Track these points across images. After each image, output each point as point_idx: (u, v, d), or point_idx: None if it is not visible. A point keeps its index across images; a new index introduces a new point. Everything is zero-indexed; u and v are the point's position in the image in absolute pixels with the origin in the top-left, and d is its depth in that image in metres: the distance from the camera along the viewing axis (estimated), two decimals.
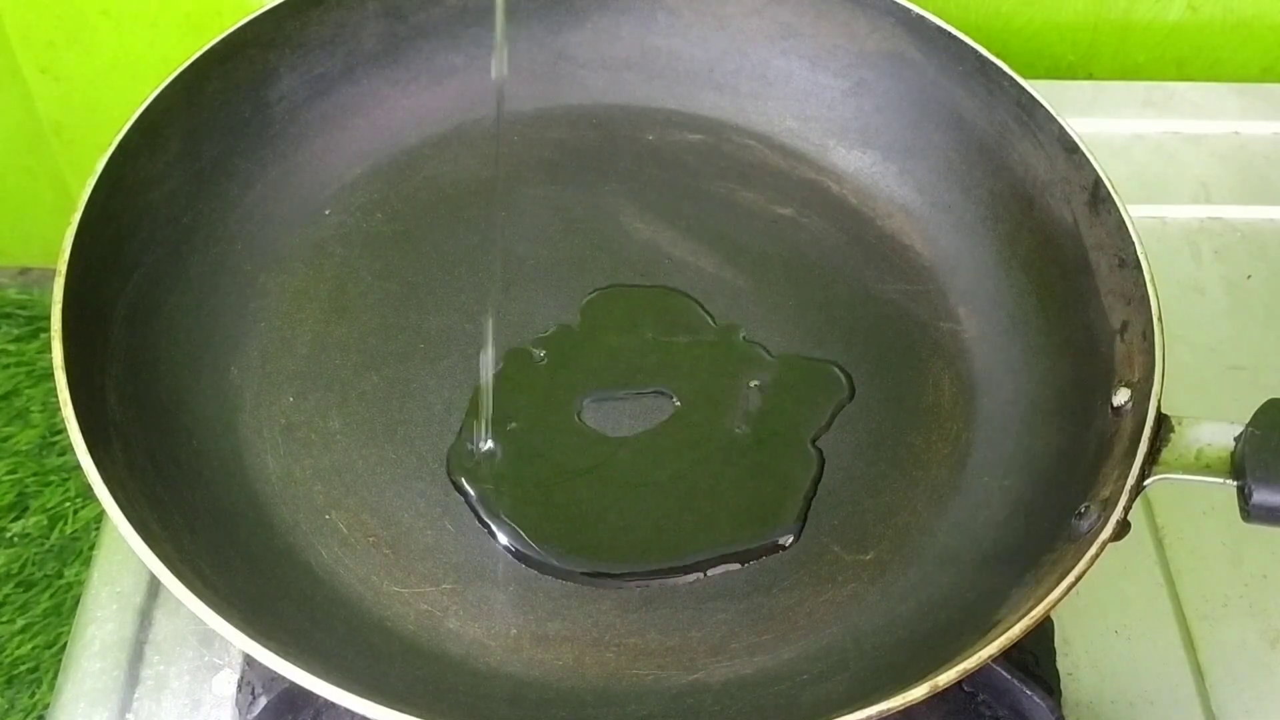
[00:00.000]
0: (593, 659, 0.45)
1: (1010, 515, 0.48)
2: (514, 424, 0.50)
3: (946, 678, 0.39)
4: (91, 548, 0.51)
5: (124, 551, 0.40)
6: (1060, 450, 0.49)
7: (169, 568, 0.39)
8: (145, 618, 0.49)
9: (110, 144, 0.48)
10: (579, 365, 0.52)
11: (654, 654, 0.45)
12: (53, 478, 0.91)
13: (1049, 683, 0.47)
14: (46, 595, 0.87)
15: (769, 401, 0.52)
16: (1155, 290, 0.47)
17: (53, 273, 0.45)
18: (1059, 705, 0.46)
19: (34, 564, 0.88)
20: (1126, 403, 0.46)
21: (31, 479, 0.91)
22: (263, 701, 0.44)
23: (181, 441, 0.47)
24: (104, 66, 0.69)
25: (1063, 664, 0.48)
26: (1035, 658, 0.47)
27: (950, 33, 0.55)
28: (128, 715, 0.47)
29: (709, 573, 0.47)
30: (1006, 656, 0.40)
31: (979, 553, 0.47)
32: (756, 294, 0.55)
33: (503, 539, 0.47)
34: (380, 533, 0.47)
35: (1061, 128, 0.52)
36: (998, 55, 0.54)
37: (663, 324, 0.54)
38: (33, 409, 0.94)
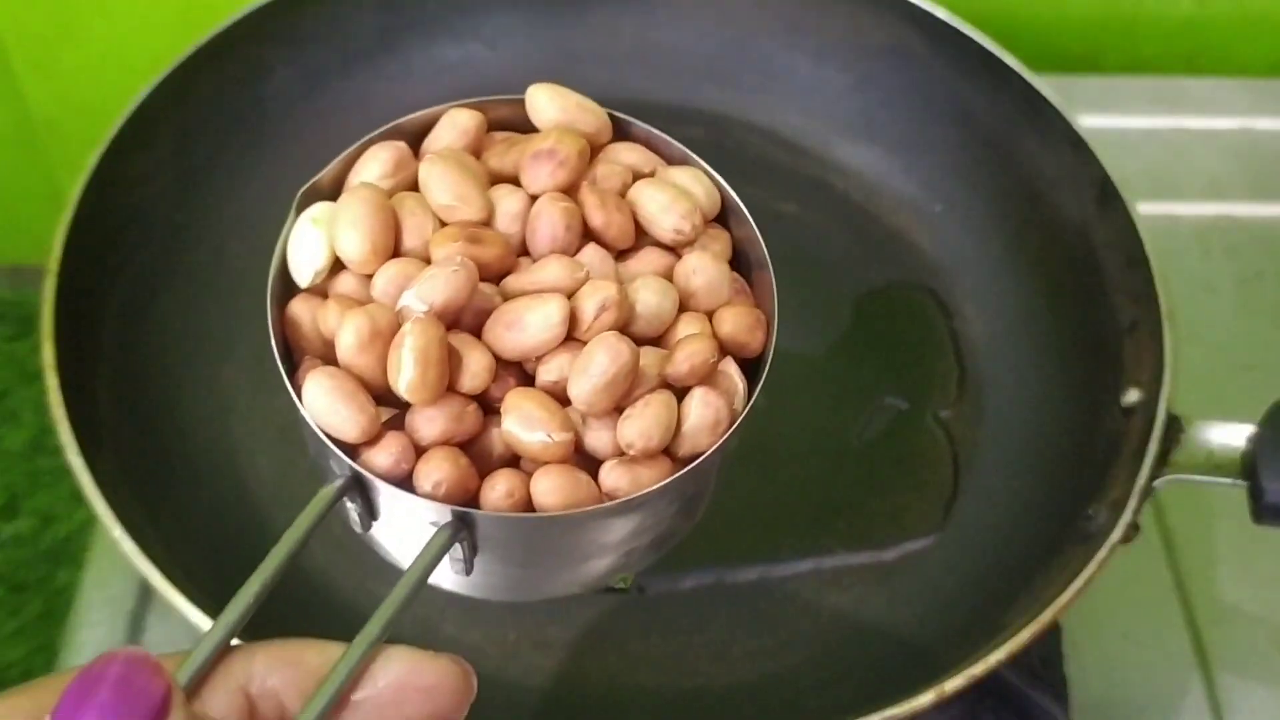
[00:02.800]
0: (593, 665, 0.45)
1: (1017, 517, 0.48)
2: None
3: (954, 684, 0.38)
4: (83, 551, 0.51)
5: (116, 555, 0.39)
6: (1068, 451, 0.48)
7: (161, 571, 0.39)
8: (137, 622, 0.49)
9: (102, 141, 0.47)
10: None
11: (655, 659, 0.45)
12: (44, 479, 0.91)
13: (1057, 687, 0.47)
14: (38, 599, 0.87)
15: (773, 401, 0.51)
16: (1164, 288, 0.47)
17: (43, 271, 0.45)
18: (1067, 710, 0.46)
19: (25, 567, 0.87)
20: (1136, 403, 0.46)
21: (22, 481, 0.91)
22: None
23: (173, 443, 0.47)
24: (97, 62, 0.69)
25: (1071, 669, 0.48)
26: (1043, 662, 0.47)
27: (956, 27, 0.55)
28: None
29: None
30: (1014, 661, 0.40)
31: (985, 556, 0.47)
32: None
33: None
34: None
35: (1069, 123, 0.52)
36: (1005, 49, 0.54)
37: None
38: (23, 410, 0.93)
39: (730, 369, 0.28)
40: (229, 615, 0.23)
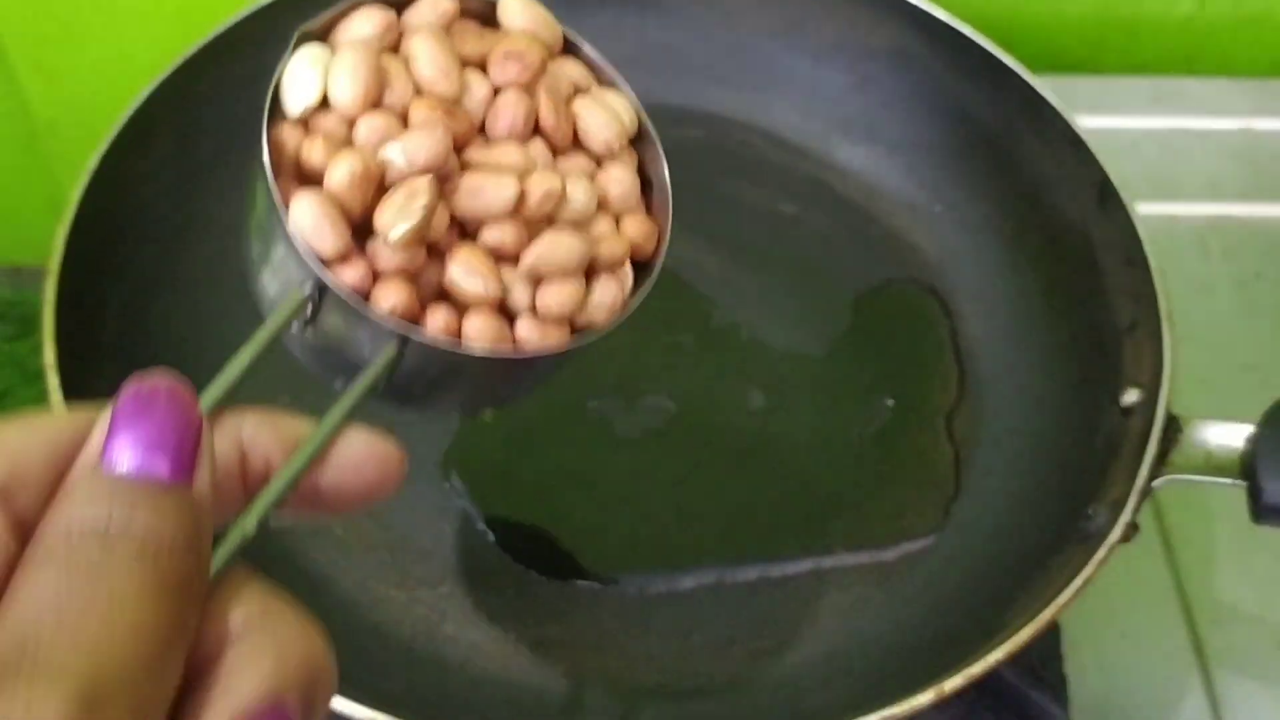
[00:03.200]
0: (593, 664, 0.45)
1: (1017, 517, 0.48)
2: (513, 424, 0.50)
3: (953, 684, 0.38)
4: None
5: None
6: (1068, 451, 0.48)
7: None
8: None
9: (103, 141, 0.47)
10: (579, 365, 0.51)
11: (655, 658, 0.45)
12: None
13: (1056, 687, 0.47)
14: None
15: (773, 401, 0.51)
16: (1164, 289, 0.47)
17: (44, 272, 0.45)
18: (1066, 709, 0.46)
19: None
20: (1135, 403, 0.46)
21: None
22: None
23: None
24: (98, 63, 0.69)
25: (1070, 668, 0.48)
26: (1042, 662, 0.47)
27: (956, 27, 0.55)
28: None
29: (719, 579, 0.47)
30: (1013, 661, 0.40)
31: (985, 556, 0.47)
32: (759, 292, 0.54)
33: (501, 542, 0.47)
34: (377, 536, 0.46)
35: (1068, 124, 0.52)
36: (1004, 50, 0.54)
37: (663, 322, 0.53)
38: (24, 410, 0.93)
39: (628, 266, 0.34)
40: (218, 384, 0.26)
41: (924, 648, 0.44)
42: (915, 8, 0.55)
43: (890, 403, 0.51)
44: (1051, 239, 0.53)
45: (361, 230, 0.30)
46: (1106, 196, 0.50)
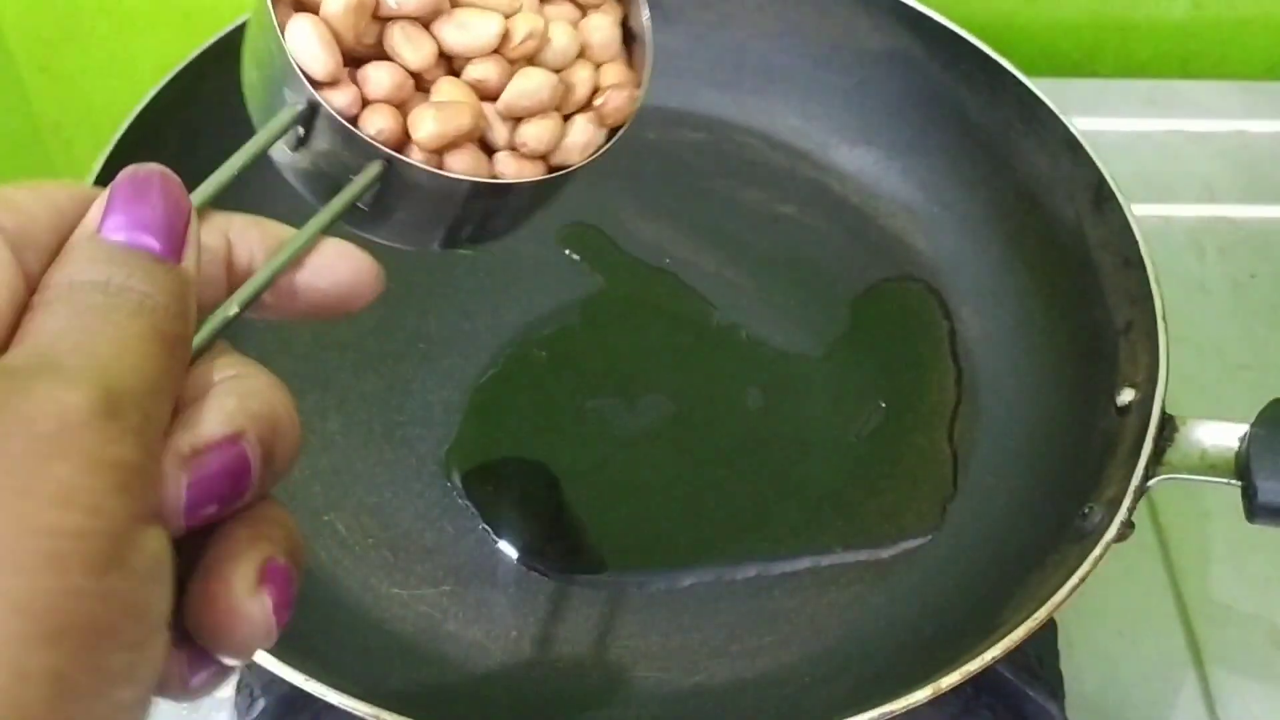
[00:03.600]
0: (594, 661, 0.45)
1: (1014, 516, 0.48)
2: (514, 424, 0.50)
3: (949, 680, 0.39)
4: None
5: None
6: (1064, 450, 0.48)
7: None
8: None
9: (107, 144, 0.47)
10: (579, 365, 0.52)
11: (655, 656, 0.45)
12: None
13: (1052, 685, 0.47)
14: None
15: (771, 401, 0.51)
16: (1159, 289, 0.47)
17: None
18: (1062, 706, 0.46)
19: None
20: (1131, 402, 0.46)
21: None
22: (261, 704, 0.44)
23: None
24: (102, 65, 0.69)
25: (1066, 666, 0.48)
26: (1039, 659, 0.47)
27: (953, 31, 0.55)
28: None
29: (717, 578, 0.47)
30: (1010, 658, 0.40)
31: (982, 554, 0.47)
32: (758, 293, 0.54)
33: (502, 540, 0.47)
34: (379, 534, 0.47)
35: (1065, 126, 0.52)
36: (1001, 53, 0.54)
37: (663, 323, 0.53)
38: None
39: (605, 110, 0.34)
40: (209, 183, 0.27)
41: (921, 645, 0.44)
42: (913, 11, 0.56)
43: (888, 402, 0.52)
44: (1048, 240, 0.53)
45: (354, 62, 0.31)
46: (1102, 198, 0.50)
